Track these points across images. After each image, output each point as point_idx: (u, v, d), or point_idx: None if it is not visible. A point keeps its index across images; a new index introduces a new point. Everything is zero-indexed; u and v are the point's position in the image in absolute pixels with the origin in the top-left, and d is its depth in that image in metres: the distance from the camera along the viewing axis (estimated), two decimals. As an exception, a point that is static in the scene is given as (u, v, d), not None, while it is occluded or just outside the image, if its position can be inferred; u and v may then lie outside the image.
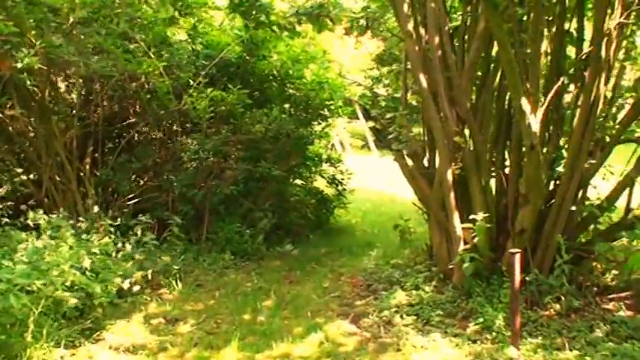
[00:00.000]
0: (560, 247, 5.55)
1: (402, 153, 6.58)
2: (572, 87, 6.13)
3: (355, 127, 20.73)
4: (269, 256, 8.18)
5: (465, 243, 5.84)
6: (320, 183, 10.19)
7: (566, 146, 6.00)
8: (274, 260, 8.06)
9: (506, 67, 5.06)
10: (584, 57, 5.68)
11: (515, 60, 4.97)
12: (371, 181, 14.85)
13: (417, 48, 5.93)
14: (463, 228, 5.81)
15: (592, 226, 6.21)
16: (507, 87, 5.94)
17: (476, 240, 5.69)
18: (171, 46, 8.00)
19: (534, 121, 5.14)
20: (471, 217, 5.68)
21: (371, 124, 20.55)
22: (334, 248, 8.78)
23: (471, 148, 6.03)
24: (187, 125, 8.71)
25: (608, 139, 5.82)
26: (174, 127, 8.62)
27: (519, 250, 4.71)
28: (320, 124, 9.55)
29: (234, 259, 7.78)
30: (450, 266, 6.05)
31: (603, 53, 5.10)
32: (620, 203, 6.06)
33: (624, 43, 5.73)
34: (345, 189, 10.13)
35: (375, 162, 16.81)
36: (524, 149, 5.54)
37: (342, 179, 10.12)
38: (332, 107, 9.32)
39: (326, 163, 10.04)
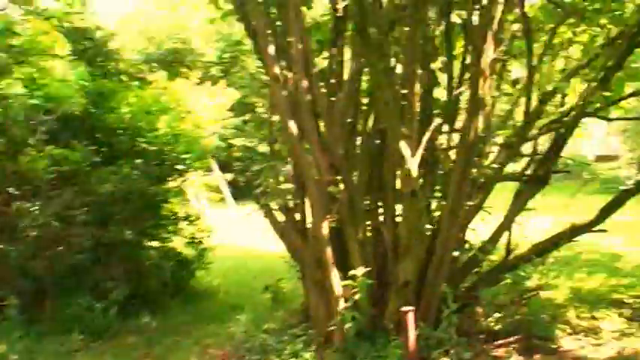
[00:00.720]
0: (446, 297, 5.37)
1: (270, 208, 6.18)
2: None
3: (211, 180, 20.31)
4: (124, 331, 7.31)
5: (345, 301, 5.48)
6: (178, 243, 9.51)
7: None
8: (131, 335, 7.21)
9: (384, 109, 4.85)
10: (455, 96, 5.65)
11: (393, 101, 4.77)
12: (230, 237, 14.29)
13: (284, 92, 5.58)
14: (343, 286, 5.47)
15: (475, 271, 6.13)
16: (380, 130, 5.78)
17: (357, 297, 5.36)
18: (5, 99, 7.13)
19: (414, 166, 4.95)
20: (351, 272, 5.36)
21: (228, 176, 20.19)
22: (198, 315, 8.08)
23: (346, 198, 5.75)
24: (26, 188, 7.77)
25: (483, 179, 5.79)
26: (10, 191, 7.65)
27: (412, 308, 4.42)
28: (176, 179, 8.94)
29: (85, 339, 6.85)
30: (331, 328, 5.65)
31: (481, 91, 5.02)
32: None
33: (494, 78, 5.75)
34: (205, 248, 9.52)
35: (233, 215, 16.27)
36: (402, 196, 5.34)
37: (203, 237, 9.51)
38: (188, 161, 8.76)
39: (184, 221, 9.40)
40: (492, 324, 5.96)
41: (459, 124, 6.07)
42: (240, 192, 20.23)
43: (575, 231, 5.87)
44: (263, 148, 8.02)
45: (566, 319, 6.32)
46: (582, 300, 7.06)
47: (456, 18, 5.95)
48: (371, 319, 5.53)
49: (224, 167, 19.44)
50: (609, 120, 6.97)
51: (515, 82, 6.04)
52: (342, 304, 5.47)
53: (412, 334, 4.36)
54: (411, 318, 4.34)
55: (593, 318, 6.40)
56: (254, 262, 11.25)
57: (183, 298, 8.94)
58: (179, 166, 8.76)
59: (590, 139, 23.02)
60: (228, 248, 12.99)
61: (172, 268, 9.09)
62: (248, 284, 9.56)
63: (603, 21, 5.81)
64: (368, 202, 6.15)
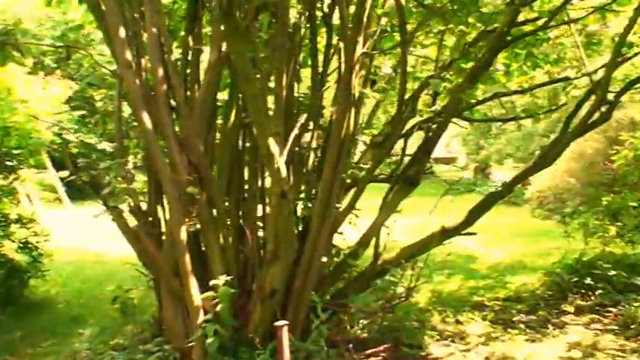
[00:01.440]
0: (315, 306, 5.14)
1: (120, 211, 5.62)
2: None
3: (45, 177, 18.81)
4: (-55, 353, 6.46)
5: (205, 313, 5.08)
6: (8, 248, 8.56)
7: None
8: (-48, 358, 6.38)
9: (251, 103, 4.51)
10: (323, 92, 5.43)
11: (260, 94, 4.45)
12: (69, 240, 13.25)
13: (137, 81, 5.05)
14: (203, 296, 5.06)
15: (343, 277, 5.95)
16: (243, 125, 5.45)
17: (219, 308, 4.97)
18: None
19: (283, 165, 4.66)
20: (212, 282, 4.97)
21: (64, 174, 18.84)
22: (33, 330, 7.25)
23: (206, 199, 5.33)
24: None
25: (353, 180, 5.63)
26: None
27: (286, 323, 4.11)
28: (6, 177, 8.04)
29: None
30: (189, 343, 5.20)
31: (354, 87, 4.81)
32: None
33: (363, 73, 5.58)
34: (41, 254, 8.65)
35: (71, 216, 15.20)
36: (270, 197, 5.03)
37: (38, 242, 8.64)
38: (20, 157, 7.91)
39: (15, 223, 8.48)
40: (361, 332, 5.82)
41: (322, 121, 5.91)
42: (78, 191, 18.99)
43: (445, 234, 5.85)
44: (105, 144, 7.38)
45: (432, 325, 6.32)
46: (445, 304, 7.12)
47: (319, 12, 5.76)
48: (234, 331, 5.16)
49: (59, 165, 18.16)
50: (473, 121, 7.10)
51: (384, 80, 5.92)
52: (201, 317, 5.06)
53: (287, 351, 4.06)
54: (285, 333, 4.04)
55: (458, 322, 6.45)
56: (97, 269, 10.41)
57: (15, 311, 8.05)
58: (9, 163, 7.88)
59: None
60: (67, 253, 11.99)
61: (2, 276, 8.18)
62: (91, 293, 8.80)
63: (471, 20, 5.84)
64: (229, 203, 5.77)
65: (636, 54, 5.75)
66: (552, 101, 11.06)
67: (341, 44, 5.36)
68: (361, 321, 5.90)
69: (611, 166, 10.28)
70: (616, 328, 6.19)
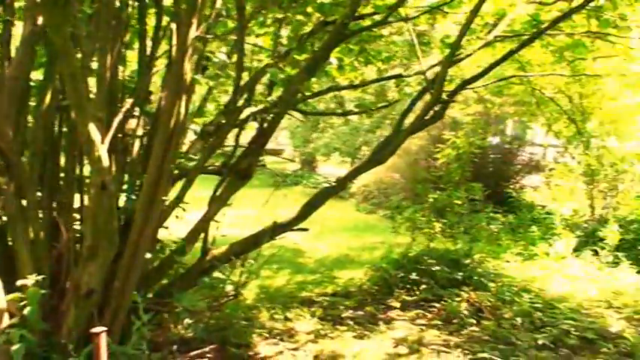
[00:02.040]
0: (137, 306, 4.83)
1: None
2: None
3: None
4: None
5: (11, 316, 4.60)
6: None
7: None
8: None
9: (70, 84, 4.07)
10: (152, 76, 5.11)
11: (81, 74, 4.07)
12: None
13: None
14: (8, 298, 4.57)
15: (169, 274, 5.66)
16: (59, 108, 5.00)
17: (27, 311, 4.52)
18: None
19: (105, 153, 4.31)
20: (20, 282, 4.50)
21: None
22: None
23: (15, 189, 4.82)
24: None
25: (181, 171, 5.37)
26: None
27: (105, 329, 3.78)
28: None
29: None
30: (-9, 350, 4.69)
31: (186, 72, 4.54)
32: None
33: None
34: None
35: None
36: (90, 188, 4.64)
37: None
38: None
39: None
40: (186, 332, 5.58)
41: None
42: None
43: (278, 229, 5.75)
44: None
45: (261, 322, 6.21)
46: (273, 300, 7.04)
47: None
48: (44, 336, 4.72)
49: None
50: (307, 114, 7.08)
51: (220, 66, 5.70)
52: (6, 321, 4.57)
53: (105, 358, 3.74)
54: (103, 341, 3.71)
55: (287, 319, 6.38)
56: None
57: None
58: None
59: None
60: None
61: None
62: None
63: (310, 10, 5.79)
64: (42, 194, 5.27)
65: (468, 55, 5.98)
66: (380, 98, 11.43)
67: (172, 26, 5.08)
68: (186, 320, 5.66)
69: (434, 164, 10.80)
70: (440, 322, 6.45)
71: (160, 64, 5.93)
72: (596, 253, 9.05)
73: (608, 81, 9.77)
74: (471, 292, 7.10)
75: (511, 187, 13.75)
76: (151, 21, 5.71)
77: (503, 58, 5.91)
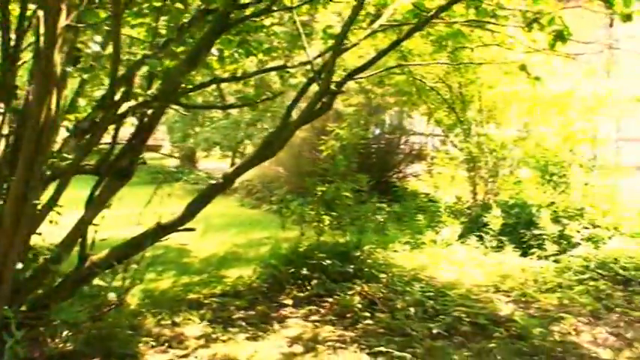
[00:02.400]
0: (8, 323, 4.46)
1: None
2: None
3: None
4: None
5: None
6: None
7: None
8: None
9: None
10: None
11: None
12: None
13: None
14: None
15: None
16: None
17: None
18: None
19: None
20: None
21: None
22: None
23: None
24: None
25: (54, 171, 4.99)
26: None
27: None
28: None
29: None
30: None
31: (56, 64, 4.19)
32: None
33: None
34: None
35: None
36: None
37: None
38: None
39: None
40: (64, 345, 5.22)
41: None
42: None
43: (162, 230, 5.47)
44: None
45: (147, 329, 5.90)
46: (159, 304, 6.69)
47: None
48: None
49: None
50: (190, 107, 6.81)
51: (94, 57, 5.34)
52: None
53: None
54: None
55: (175, 324, 6.09)
56: None
57: None
58: None
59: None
60: None
61: None
62: None
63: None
64: None
65: (354, 44, 5.94)
66: (261, 90, 11.27)
67: (39, 14, 4.71)
68: (65, 332, 5.29)
69: (319, 156, 10.78)
70: (334, 318, 6.38)
71: (27, 57, 5.50)
72: (480, 238, 9.32)
73: (486, 70, 10.09)
74: (363, 284, 7.08)
75: (395, 176, 14.01)
76: (15, 10, 5.28)
77: (391, 47, 5.91)
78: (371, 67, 6.15)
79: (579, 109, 10.58)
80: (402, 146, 15.12)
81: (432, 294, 6.90)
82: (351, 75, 5.87)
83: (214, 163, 23.10)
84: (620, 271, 7.90)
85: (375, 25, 6.10)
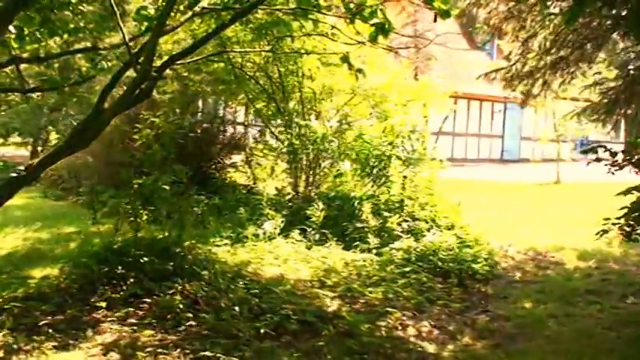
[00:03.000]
0: None
1: None
2: None
3: None
4: None
5: None
6: None
7: None
8: None
9: None
10: None
11: None
12: None
13: None
14: None
15: None
16: None
17: None
18: None
19: None
20: None
21: None
22: None
23: None
24: None
25: None
26: None
27: None
28: None
29: None
30: None
31: None
32: None
33: None
34: None
35: None
36: None
37: None
38: None
39: None
40: None
41: None
42: None
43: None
44: None
45: None
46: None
47: None
48: None
49: None
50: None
51: None
52: None
53: None
54: None
55: (-28, 335, 5.47)
56: None
57: None
58: None
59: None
60: None
61: None
62: None
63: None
64: None
65: (175, 27, 5.65)
66: (66, 73, 10.59)
67: None
68: None
69: (133, 145, 10.30)
70: (154, 320, 6.03)
71: None
72: (303, 231, 9.33)
73: (308, 60, 10.15)
74: (185, 282, 6.74)
75: (213, 167, 13.75)
76: None
77: (216, 32, 5.71)
78: (193, 53, 5.91)
79: (397, 101, 10.95)
80: (220, 136, 14.86)
81: (257, 291, 6.76)
82: (172, 60, 5.59)
83: (14, 151, 21.62)
84: (439, 264, 8.30)
85: (197, 8, 5.84)
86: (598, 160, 7.05)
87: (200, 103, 15.45)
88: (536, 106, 21.98)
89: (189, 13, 5.77)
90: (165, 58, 5.90)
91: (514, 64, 10.40)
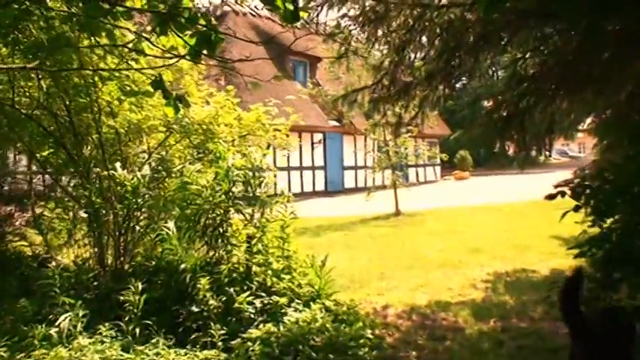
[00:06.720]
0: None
1: None
2: None
3: None
4: None
5: None
6: None
7: None
8: None
9: None
10: None
11: None
12: None
13: None
14: None
15: None
16: None
17: None
18: None
19: None
20: None
21: None
22: None
23: None
24: None
25: None
26: None
27: None
28: None
29: None
30: None
31: None
32: None
33: None
34: None
35: None
36: None
37: None
38: None
39: None
40: None
41: None
42: None
43: None
44: None
45: None
46: None
47: None
48: None
49: None
50: None
51: None
52: None
53: None
54: None
55: None
56: None
57: None
58: None
59: None
60: None
61: None
62: None
63: None
64: None
65: None
66: None
67: None
68: None
69: None
70: None
71: None
72: (117, 325, 6.88)
73: (107, 90, 7.94)
74: None
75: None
76: None
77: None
78: None
79: (228, 137, 8.94)
80: (-5, 194, 12.13)
81: None
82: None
83: None
84: (314, 356, 6.21)
85: None
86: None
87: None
88: (366, 133, 21.31)
89: None
90: None
91: (380, 80, 8.70)
